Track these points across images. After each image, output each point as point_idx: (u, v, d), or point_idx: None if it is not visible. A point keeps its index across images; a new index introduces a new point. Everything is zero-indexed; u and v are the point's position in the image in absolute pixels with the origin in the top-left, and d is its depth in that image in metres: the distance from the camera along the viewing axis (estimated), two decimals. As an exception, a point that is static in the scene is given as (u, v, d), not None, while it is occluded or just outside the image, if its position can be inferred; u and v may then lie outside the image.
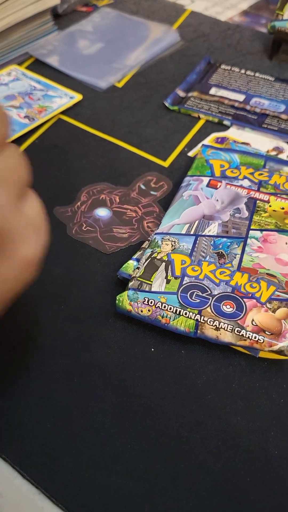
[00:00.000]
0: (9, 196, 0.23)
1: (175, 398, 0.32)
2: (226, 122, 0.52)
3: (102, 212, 0.43)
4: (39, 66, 0.60)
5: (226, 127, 0.52)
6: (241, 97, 0.55)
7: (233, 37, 0.66)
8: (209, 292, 0.35)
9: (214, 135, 0.51)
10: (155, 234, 0.39)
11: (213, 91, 0.56)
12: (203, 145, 0.48)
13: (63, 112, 0.54)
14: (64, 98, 0.55)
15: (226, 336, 0.33)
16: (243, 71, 0.59)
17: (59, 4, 0.66)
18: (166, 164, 0.48)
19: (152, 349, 0.35)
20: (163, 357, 0.34)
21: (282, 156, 0.49)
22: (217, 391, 0.32)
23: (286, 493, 0.28)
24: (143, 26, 0.67)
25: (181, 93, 0.56)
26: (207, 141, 0.50)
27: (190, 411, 0.32)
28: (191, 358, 0.34)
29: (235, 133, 0.51)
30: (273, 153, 0.49)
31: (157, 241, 0.38)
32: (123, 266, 0.38)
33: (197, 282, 0.35)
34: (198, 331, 0.34)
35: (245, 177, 0.43)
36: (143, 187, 0.46)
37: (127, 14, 0.69)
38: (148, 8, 0.71)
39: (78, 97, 0.55)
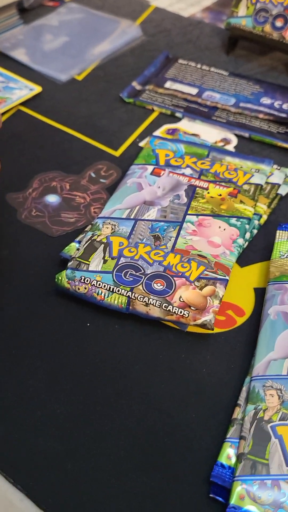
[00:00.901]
0: None
1: (105, 368, 0.35)
2: (178, 114, 0.55)
3: (52, 198, 0.46)
4: (3, 59, 0.62)
5: (178, 119, 0.55)
6: (194, 91, 0.57)
7: (193, 32, 0.68)
8: (143, 271, 0.37)
9: (166, 126, 0.54)
10: (98, 218, 0.42)
11: (168, 84, 0.58)
12: (151, 135, 0.50)
13: (23, 104, 0.56)
14: (24, 90, 0.57)
15: (155, 311, 0.36)
16: (199, 65, 0.61)
17: (25, -2, 0.68)
18: (117, 153, 0.51)
19: (88, 324, 0.37)
20: (98, 331, 0.37)
21: (229, 147, 0.52)
22: (145, 361, 0.35)
23: (200, 450, 0.31)
24: (107, 21, 0.69)
25: (138, 86, 0.58)
26: (159, 132, 0.53)
27: (118, 379, 0.34)
28: (123, 332, 0.37)
29: (186, 125, 0.54)
30: (221, 144, 0.52)
31: (98, 224, 0.41)
32: (66, 247, 0.40)
33: (132, 262, 0.38)
34: (130, 307, 0.36)
35: (187, 166, 0.46)
36: (93, 175, 0.48)
37: (93, 9, 0.71)
38: (113, 4, 0.73)
39: (38, 89, 0.57)
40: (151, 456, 0.31)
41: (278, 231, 0.41)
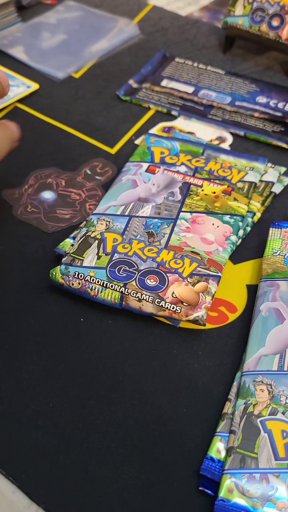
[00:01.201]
0: None
1: (98, 362, 0.35)
2: (174, 113, 0.55)
3: (48, 195, 0.46)
4: (0, 57, 0.62)
5: (174, 117, 0.55)
6: (190, 89, 0.57)
7: (191, 31, 0.68)
8: (136, 267, 0.38)
9: (162, 124, 0.54)
10: (92, 214, 0.42)
11: (164, 82, 0.58)
12: (147, 133, 0.51)
13: (19, 101, 0.56)
14: (21, 87, 0.57)
15: (147, 307, 0.36)
16: (195, 64, 0.61)
17: (23, -4, 0.69)
18: (113, 151, 0.51)
19: (82, 319, 0.37)
20: (91, 326, 0.37)
21: (224, 145, 0.52)
22: (137, 356, 0.35)
23: (191, 443, 0.31)
24: (105, 19, 0.69)
25: (134, 84, 0.59)
26: (155, 130, 0.53)
27: (111, 374, 0.34)
28: (116, 327, 0.37)
29: (181, 123, 0.54)
30: (216, 142, 0.52)
31: (93, 220, 0.41)
32: (60, 243, 0.40)
33: (125, 258, 0.38)
34: (123, 303, 0.37)
35: (182, 164, 0.46)
36: (89, 172, 0.48)
37: (91, 7, 0.72)
38: (111, 2, 0.73)
39: (35, 86, 0.57)
40: (142, 449, 0.31)
41: (271, 229, 0.42)
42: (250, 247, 0.43)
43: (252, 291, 0.39)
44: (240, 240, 0.42)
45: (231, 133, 0.53)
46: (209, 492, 0.29)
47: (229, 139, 0.53)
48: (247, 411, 0.31)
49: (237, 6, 0.62)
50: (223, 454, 0.30)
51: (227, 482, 0.29)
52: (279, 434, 0.30)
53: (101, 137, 0.53)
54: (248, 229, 0.43)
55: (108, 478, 0.30)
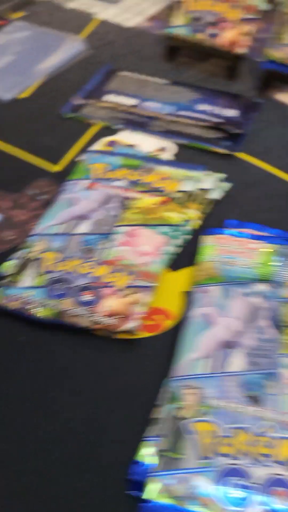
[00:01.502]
0: None
1: (34, 377, 0.37)
2: (117, 127, 0.57)
3: (-7, 218, 0.48)
4: None
5: (118, 131, 0.56)
6: (134, 102, 0.59)
7: (137, 43, 0.70)
8: (72, 284, 0.39)
9: (106, 139, 0.55)
10: (32, 235, 0.44)
11: (108, 97, 0.60)
12: (87, 150, 0.52)
13: None
14: None
15: (83, 322, 0.38)
16: (140, 76, 0.63)
17: (-29, 21, 0.70)
18: (58, 169, 0.52)
19: (21, 338, 0.39)
20: (30, 344, 0.39)
21: (166, 155, 0.53)
22: (74, 369, 0.37)
23: (122, 449, 0.33)
24: (53, 37, 0.71)
25: (79, 101, 0.60)
26: (99, 145, 0.55)
27: (49, 387, 0.36)
28: (54, 343, 0.39)
29: (125, 137, 0.56)
30: (158, 153, 0.54)
31: (32, 241, 0.43)
32: (1, 266, 0.42)
33: (63, 276, 0.40)
34: (61, 319, 0.38)
35: (121, 178, 0.48)
36: (33, 192, 0.50)
37: (40, 25, 0.73)
38: (60, 19, 0.75)
39: (-18, 110, 0.59)
40: (77, 459, 0.33)
41: (202, 236, 0.43)
42: (188, 254, 0.44)
43: (189, 297, 0.41)
44: (178, 248, 0.44)
45: (175, 143, 0.55)
46: (137, 494, 0.31)
47: (173, 149, 0.54)
48: (175, 415, 0.33)
49: (177, 17, 0.63)
50: (150, 458, 0.32)
51: (154, 484, 0.30)
52: (204, 434, 0.32)
53: (46, 156, 0.54)
54: (188, 237, 0.45)
55: (42, 486, 0.32)
